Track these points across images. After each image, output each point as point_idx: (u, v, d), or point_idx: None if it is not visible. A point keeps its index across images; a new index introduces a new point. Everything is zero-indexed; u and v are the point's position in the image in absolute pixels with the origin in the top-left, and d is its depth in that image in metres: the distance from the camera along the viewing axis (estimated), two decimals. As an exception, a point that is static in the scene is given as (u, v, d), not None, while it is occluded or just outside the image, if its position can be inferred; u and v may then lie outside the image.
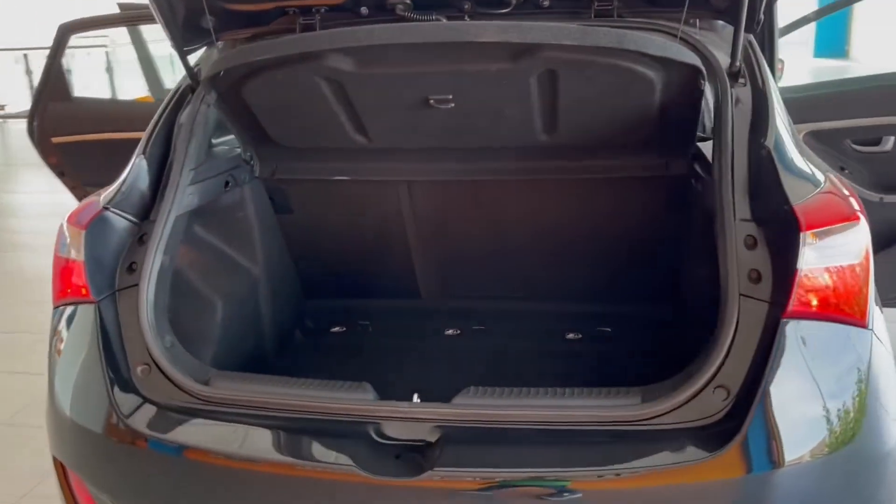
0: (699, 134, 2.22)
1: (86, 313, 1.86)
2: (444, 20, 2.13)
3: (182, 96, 2.24)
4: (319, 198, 2.63)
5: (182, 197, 2.04)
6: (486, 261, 2.68)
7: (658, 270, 2.52)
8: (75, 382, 1.85)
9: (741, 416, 1.51)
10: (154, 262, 1.89)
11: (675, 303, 2.49)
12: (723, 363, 1.56)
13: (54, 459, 1.94)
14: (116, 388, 1.77)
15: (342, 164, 2.51)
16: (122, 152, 2.12)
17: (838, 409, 1.52)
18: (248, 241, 2.51)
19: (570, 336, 2.67)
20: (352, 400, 1.69)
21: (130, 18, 3.67)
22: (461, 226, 2.63)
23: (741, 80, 1.93)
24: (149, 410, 1.75)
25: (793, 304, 1.55)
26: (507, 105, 2.11)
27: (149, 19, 2.96)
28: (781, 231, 1.62)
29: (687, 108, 2.07)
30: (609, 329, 2.66)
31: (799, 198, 1.63)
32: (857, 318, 1.58)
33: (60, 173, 3.76)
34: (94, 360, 1.80)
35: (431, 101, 2.06)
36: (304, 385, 1.76)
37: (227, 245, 2.44)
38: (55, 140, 3.64)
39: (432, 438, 1.60)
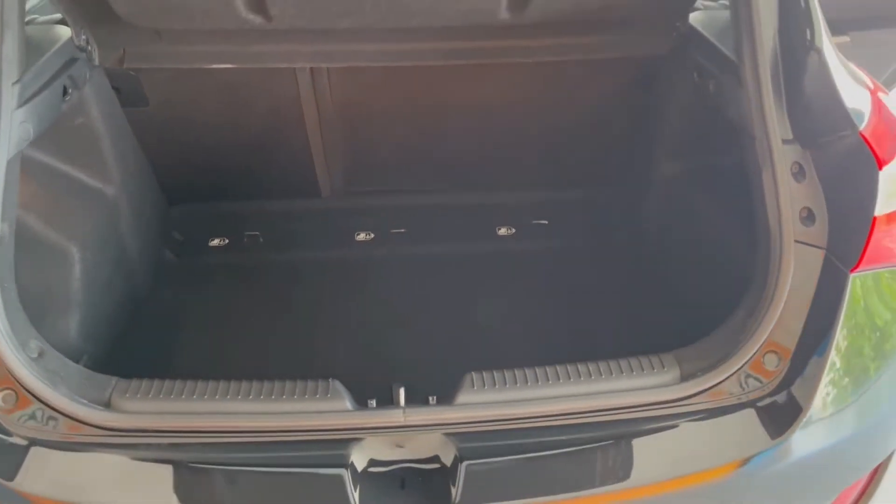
0: None
1: None
2: None
3: None
4: (185, 85, 2.03)
5: (11, 128, 1.43)
6: (403, 148, 2.27)
7: (609, 152, 2.28)
8: None
9: (797, 386, 1.32)
10: None
11: (623, 186, 2.29)
12: (776, 323, 1.34)
13: None
14: None
15: (222, 48, 1.93)
16: None
17: None
18: (95, 155, 1.93)
19: (503, 232, 2.40)
20: (325, 413, 1.29)
21: None
22: (377, 110, 2.16)
23: None
24: (23, 456, 1.25)
25: (866, 257, 1.32)
26: None
27: None
28: (845, 163, 1.36)
29: None
30: (545, 221, 2.42)
31: (860, 121, 1.36)
32: None
33: None
34: None
35: None
36: (251, 390, 1.32)
37: (70, 166, 1.85)
38: None
39: (446, 455, 1.26)
